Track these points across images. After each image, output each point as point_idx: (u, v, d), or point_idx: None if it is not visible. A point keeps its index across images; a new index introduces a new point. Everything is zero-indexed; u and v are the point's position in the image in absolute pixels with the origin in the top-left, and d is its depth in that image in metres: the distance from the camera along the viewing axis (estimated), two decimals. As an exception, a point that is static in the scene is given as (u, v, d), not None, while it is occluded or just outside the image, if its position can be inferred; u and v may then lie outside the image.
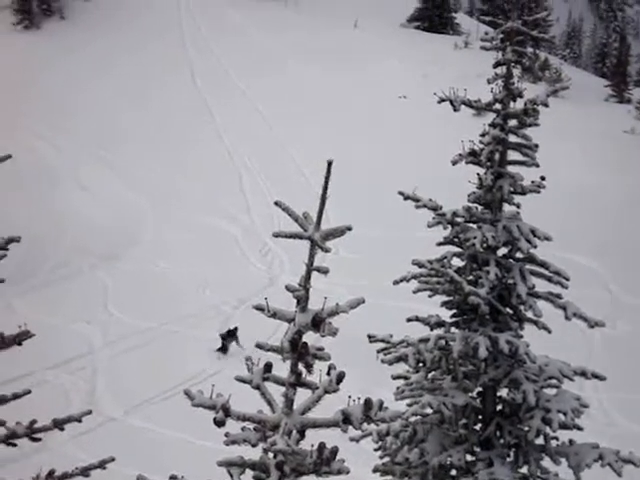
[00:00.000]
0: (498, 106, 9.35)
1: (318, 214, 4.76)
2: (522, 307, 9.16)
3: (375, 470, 9.66)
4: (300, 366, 4.95)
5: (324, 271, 4.77)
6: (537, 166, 9.20)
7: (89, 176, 38.36)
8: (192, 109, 45.52)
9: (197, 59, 52.06)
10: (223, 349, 24.14)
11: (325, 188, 4.66)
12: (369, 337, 9.41)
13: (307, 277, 4.80)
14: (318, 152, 34.70)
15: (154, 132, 42.46)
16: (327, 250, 4.71)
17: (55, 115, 43.58)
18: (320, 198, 4.70)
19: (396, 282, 9.10)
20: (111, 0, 57.78)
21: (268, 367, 5.10)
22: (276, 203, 4.89)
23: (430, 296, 9.20)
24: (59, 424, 6.41)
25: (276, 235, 4.88)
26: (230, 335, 24.20)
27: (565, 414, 8.62)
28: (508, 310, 9.25)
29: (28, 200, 35.38)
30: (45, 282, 29.32)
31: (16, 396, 6.62)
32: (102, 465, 6.34)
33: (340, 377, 4.94)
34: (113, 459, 6.44)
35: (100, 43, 52.14)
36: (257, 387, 5.09)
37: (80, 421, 6.61)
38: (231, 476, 5.10)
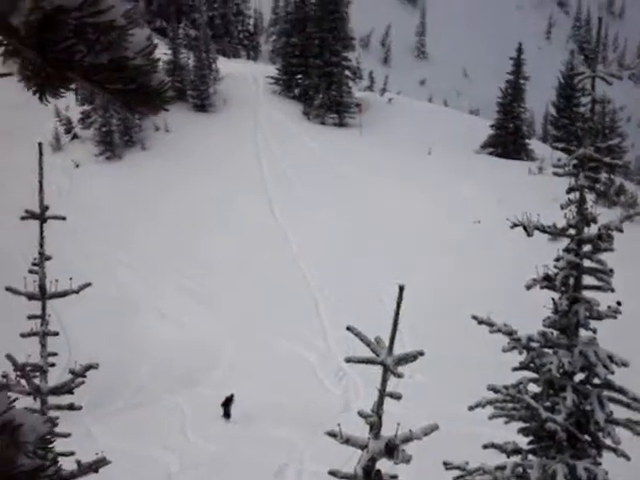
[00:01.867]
0: (572, 231, 9.36)
1: (390, 339, 4.81)
2: (600, 434, 8.97)
3: None
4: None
5: (397, 397, 4.78)
6: (612, 291, 9.14)
7: (169, 303, 38.97)
8: (269, 235, 46.16)
9: (275, 191, 52.90)
10: (226, 415, 28.32)
11: (397, 313, 4.72)
12: (445, 464, 9.29)
13: (380, 403, 4.80)
14: (391, 276, 34.86)
15: (232, 258, 43.03)
16: (399, 375, 4.72)
17: (138, 244, 44.59)
18: (392, 323, 4.76)
19: (471, 408, 9.03)
20: (191, 131, 59.39)
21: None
22: (348, 328, 4.96)
23: (506, 422, 9.08)
24: None
25: (348, 360, 4.93)
26: (228, 402, 28.39)
27: None
28: (586, 437, 9.07)
29: (109, 327, 36.09)
30: (124, 408, 29.59)
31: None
32: None
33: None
34: None
35: (178, 172, 53.47)
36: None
37: None
38: None
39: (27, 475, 0.90)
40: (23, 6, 0.87)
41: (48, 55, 0.96)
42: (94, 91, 1.05)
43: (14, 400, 0.89)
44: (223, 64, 69.67)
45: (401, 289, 4.70)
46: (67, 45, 0.95)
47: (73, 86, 1.08)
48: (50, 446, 0.89)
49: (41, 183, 9.92)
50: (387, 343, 4.79)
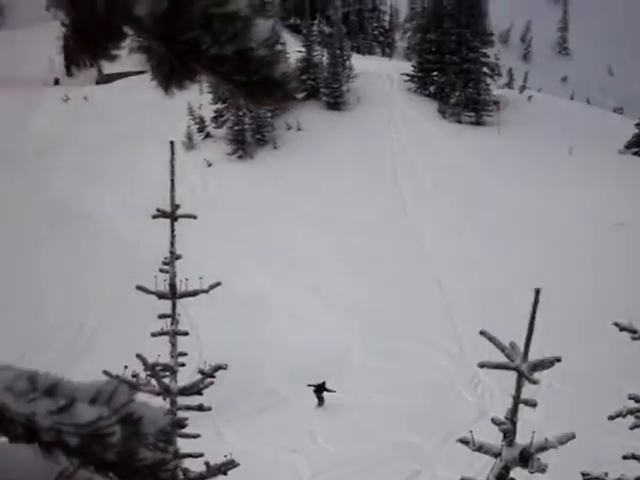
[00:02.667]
0: None
1: (525, 344, 4.69)
2: None
3: None
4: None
5: (532, 404, 4.65)
6: None
7: (299, 304, 39.24)
8: (400, 235, 46.01)
9: (408, 190, 52.67)
10: (319, 401, 30.03)
11: (533, 317, 4.60)
12: (583, 475, 9.05)
13: (514, 410, 4.70)
14: (527, 278, 34.28)
15: (362, 258, 43.09)
16: (534, 382, 4.60)
17: (268, 243, 45.10)
18: (528, 327, 4.64)
19: (611, 417, 8.77)
20: (324, 129, 59.58)
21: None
22: (482, 333, 4.86)
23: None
24: None
25: (481, 366, 4.84)
26: (321, 389, 29.96)
27: None
28: None
29: (239, 327, 36.62)
30: (254, 410, 29.80)
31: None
32: None
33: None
34: None
35: (310, 171, 53.77)
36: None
37: None
38: None
39: (149, 468, 0.90)
40: (147, -4, 0.86)
41: (173, 46, 0.95)
42: (218, 83, 1.05)
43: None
44: (357, 61, 69.62)
45: (537, 292, 4.59)
46: (192, 36, 0.94)
47: (198, 78, 1.07)
48: (170, 439, 0.88)
49: (172, 181, 10.09)
50: (522, 348, 4.68)
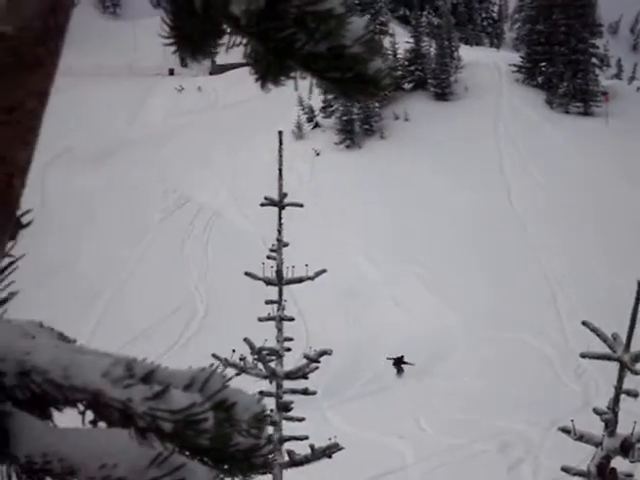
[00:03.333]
0: None
1: (628, 335, 4.64)
2: None
3: None
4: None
5: (634, 394, 4.61)
6: None
7: (403, 292, 39.25)
8: (505, 225, 45.55)
9: (514, 180, 52.10)
10: (399, 371, 31.79)
11: (635, 309, 4.54)
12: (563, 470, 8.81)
13: (616, 400, 4.67)
14: (635, 271, 33.57)
15: (465, 246, 42.85)
16: (637, 373, 4.55)
17: (374, 232, 45.18)
18: (630, 318, 4.59)
19: None
20: (431, 120, 59.32)
21: None
22: (584, 323, 4.83)
23: None
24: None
25: (583, 356, 4.81)
26: (399, 362, 31.79)
27: None
28: None
29: (344, 313, 36.84)
30: (359, 394, 30.05)
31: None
32: None
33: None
34: None
35: (417, 161, 53.60)
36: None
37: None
38: None
39: (242, 453, 0.93)
40: (244, -5, 0.89)
41: (269, 44, 0.98)
42: (312, 79, 1.08)
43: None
44: (465, 52, 69.15)
45: (640, 284, 4.52)
46: (287, 34, 0.97)
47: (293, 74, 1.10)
48: (263, 426, 0.92)
49: (280, 171, 10.21)
50: (624, 339, 4.63)
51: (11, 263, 0.87)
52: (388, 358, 31.88)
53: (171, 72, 76.90)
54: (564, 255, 41.87)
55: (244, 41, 1.02)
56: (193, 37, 1.03)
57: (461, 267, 41.04)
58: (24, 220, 0.87)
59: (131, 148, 58.04)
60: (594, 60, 66.92)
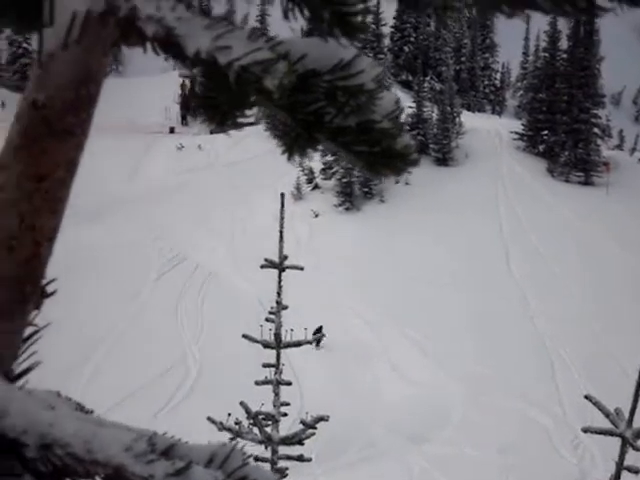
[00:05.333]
0: None
1: (630, 411, 4.60)
2: None
3: None
4: None
5: (635, 471, 4.56)
6: None
7: (400, 356, 39.08)
8: (503, 291, 45.54)
9: (513, 246, 52.21)
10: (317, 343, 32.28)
11: (639, 383, 4.51)
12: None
13: (616, 476, 4.62)
14: (635, 339, 33.50)
15: (462, 312, 42.77)
16: (639, 449, 4.50)
17: (372, 295, 45.12)
18: (634, 394, 4.55)
19: None
20: (431, 184, 59.55)
21: None
22: (586, 397, 4.79)
23: None
24: None
25: (585, 431, 4.75)
26: (318, 332, 32.33)
27: None
28: None
29: (341, 378, 36.62)
30: (353, 462, 29.72)
31: None
32: None
33: None
34: None
35: (416, 226, 53.76)
36: None
37: None
38: None
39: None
40: (278, 69, 0.89)
41: (298, 116, 0.99)
42: (340, 152, 1.08)
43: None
44: (467, 118, 69.83)
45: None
46: (317, 107, 0.97)
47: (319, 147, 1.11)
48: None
49: (281, 233, 10.24)
50: (627, 415, 4.59)
51: (35, 332, 0.86)
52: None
53: (172, 130, 77.49)
54: (563, 323, 41.79)
55: (273, 113, 1.03)
56: (222, 107, 1.03)
57: (459, 333, 40.92)
58: (49, 289, 0.86)
59: (129, 205, 58.17)
60: (596, 130, 67.49)
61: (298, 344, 10.68)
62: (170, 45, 0.93)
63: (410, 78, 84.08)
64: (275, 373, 10.52)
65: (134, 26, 0.92)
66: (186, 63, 0.96)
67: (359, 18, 0.96)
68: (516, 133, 68.55)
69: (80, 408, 0.94)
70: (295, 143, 1.02)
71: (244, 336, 10.41)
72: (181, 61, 0.96)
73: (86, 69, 0.88)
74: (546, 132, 67.36)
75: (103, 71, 0.90)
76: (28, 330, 0.85)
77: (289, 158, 1.07)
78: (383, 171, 1.04)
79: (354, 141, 0.97)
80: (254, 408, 10.24)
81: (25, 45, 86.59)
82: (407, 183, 60.15)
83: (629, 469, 4.53)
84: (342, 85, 0.93)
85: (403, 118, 1.02)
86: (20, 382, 0.87)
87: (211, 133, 72.75)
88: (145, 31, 0.91)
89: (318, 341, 33.11)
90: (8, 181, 0.83)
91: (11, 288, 0.81)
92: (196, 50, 0.89)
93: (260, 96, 0.93)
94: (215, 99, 1.01)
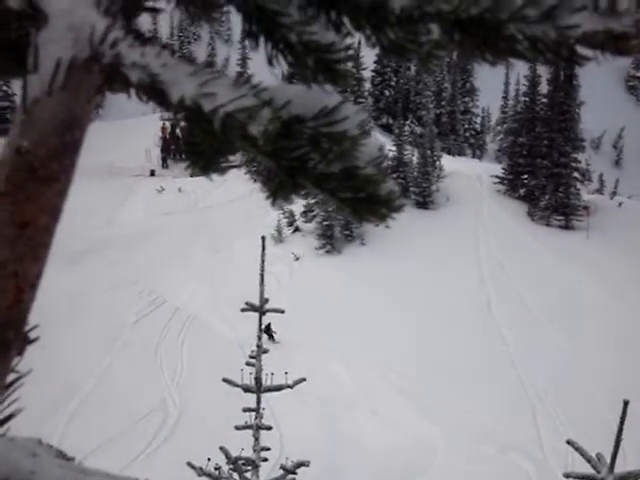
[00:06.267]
0: None
1: (612, 455, 4.59)
2: None
3: None
4: None
5: (617, 516, 4.53)
6: None
7: (381, 400, 38.90)
8: (484, 336, 45.54)
9: (494, 290, 52.32)
10: (270, 337, 36.68)
11: (620, 430, 4.50)
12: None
13: (599, 522, 4.59)
14: (620, 392, 33.53)
15: (441, 355, 42.70)
16: (621, 495, 4.49)
17: (351, 338, 45.02)
18: (615, 439, 4.55)
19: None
20: (412, 228, 59.62)
21: None
22: (568, 442, 4.78)
23: None
24: None
25: (567, 476, 4.73)
26: (268, 328, 36.12)
27: None
28: None
29: (321, 422, 36.39)
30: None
31: None
32: None
33: None
34: None
35: (396, 269, 53.82)
36: None
37: None
38: None
39: None
40: (263, 116, 0.90)
41: (282, 162, 0.99)
42: (323, 197, 1.08)
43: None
44: (447, 161, 70.24)
45: (625, 404, 4.50)
46: (301, 153, 0.97)
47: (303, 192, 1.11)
48: None
49: (262, 276, 10.25)
50: (609, 460, 4.58)
51: (17, 379, 0.85)
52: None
53: (152, 173, 77.49)
54: (544, 368, 41.82)
55: (257, 158, 1.03)
56: (206, 153, 1.03)
57: (440, 377, 40.82)
58: (32, 335, 0.85)
59: (108, 248, 57.94)
60: (576, 174, 68.01)
61: (279, 388, 10.63)
62: (155, 91, 0.93)
63: (391, 121, 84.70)
64: (255, 417, 10.47)
65: (119, 72, 0.92)
66: (170, 109, 0.96)
67: (343, 66, 0.97)
68: (497, 177, 69.00)
69: (62, 455, 0.93)
70: (279, 189, 1.02)
71: (224, 380, 10.36)
72: (165, 107, 0.96)
73: (71, 115, 0.88)
74: (526, 176, 67.90)
75: (87, 117, 0.90)
76: (10, 377, 0.84)
77: (273, 204, 1.07)
78: (367, 217, 1.04)
79: (338, 187, 0.98)
80: (234, 453, 10.17)
81: (5, 88, 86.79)
82: (387, 226, 60.14)
83: (611, 514, 4.50)
84: (326, 131, 0.93)
85: (385, 163, 1.02)
86: (1, 429, 0.86)
87: (191, 176, 72.85)
88: (130, 78, 0.92)
89: (271, 336, 36.76)
90: (-9, 227, 0.82)
91: (-8, 335, 0.80)
92: (181, 97, 0.90)
93: (244, 142, 0.93)
94: (199, 145, 1.01)
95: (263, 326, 34.02)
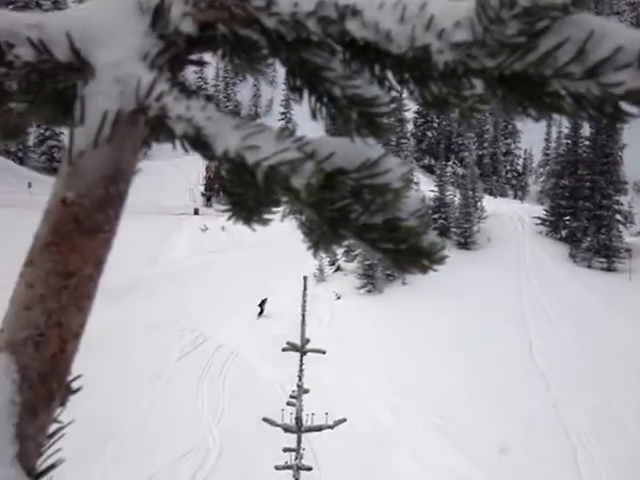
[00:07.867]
0: None
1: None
2: None
3: None
4: None
5: None
6: None
7: (422, 442, 38.53)
8: (527, 383, 45.06)
9: (536, 333, 51.83)
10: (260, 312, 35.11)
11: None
12: None
13: None
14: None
15: (484, 398, 42.31)
16: None
17: (394, 378, 44.76)
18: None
19: None
20: (453, 268, 59.27)
21: None
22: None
23: None
24: None
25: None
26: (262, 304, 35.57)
27: None
28: None
29: (361, 463, 36.07)
30: None
31: None
32: None
33: None
34: None
35: (438, 310, 53.50)
36: None
37: None
38: None
39: None
40: (305, 169, 0.91)
41: (324, 214, 0.99)
42: (364, 248, 1.08)
43: None
44: (489, 202, 70.14)
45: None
46: (343, 205, 0.98)
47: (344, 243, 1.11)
48: None
49: (303, 317, 10.27)
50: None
51: (60, 429, 0.86)
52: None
53: (196, 212, 78.22)
54: (586, 412, 41.29)
55: (299, 210, 1.03)
56: (248, 204, 1.04)
57: (481, 420, 40.39)
58: (74, 386, 0.86)
59: (152, 285, 58.30)
60: (618, 217, 67.67)
61: (319, 429, 10.59)
62: (199, 143, 0.94)
63: (433, 162, 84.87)
64: (296, 458, 10.42)
65: (164, 125, 0.93)
66: (214, 160, 0.97)
67: (386, 119, 0.98)
68: (538, 218, 68.78)
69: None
70: (321, 240, 1.03)
71: (265, 419, 10.35)
72: (209, 158, 0.97)
73: (116, 167, 0.89)
74: (568, 218, 67.64)
75: (133, 169, 0.92)
76: (52, 426, 0.85)
77: (314, 254, 1.08)
78: (409, 268, 1.04)
79: (380, 239, 0.98)
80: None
81: (53, 128, 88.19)
82: (435, 270, 59.91)
83: None
84: (368, 183, 0.94)
85: (427, 214, 1.02)
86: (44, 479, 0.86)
87: (235, 216, 73.34)
88: (175, 130, 0.93)
89: (261, 311, 37.94)
90: (36, 277, 0.83)
91: (37, 385, 0.81)
92: (225, 149, 0.91)
93: (287, 195, 0.93)
94: (242, 196, 1.02)
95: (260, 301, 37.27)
